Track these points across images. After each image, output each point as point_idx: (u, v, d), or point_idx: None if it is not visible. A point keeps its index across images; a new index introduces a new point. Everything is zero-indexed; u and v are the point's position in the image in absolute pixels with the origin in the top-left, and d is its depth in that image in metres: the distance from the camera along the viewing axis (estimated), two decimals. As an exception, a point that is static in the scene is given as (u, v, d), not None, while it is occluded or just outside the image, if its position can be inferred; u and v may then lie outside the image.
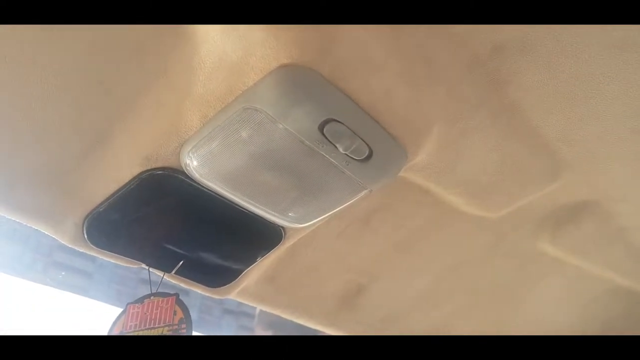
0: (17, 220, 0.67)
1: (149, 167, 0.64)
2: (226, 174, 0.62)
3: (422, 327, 1.18)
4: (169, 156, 0.63)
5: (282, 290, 0.96)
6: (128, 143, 0.62)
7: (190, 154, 0.61)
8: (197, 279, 0.80)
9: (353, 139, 0.58)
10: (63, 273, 3.54)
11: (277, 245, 0.79)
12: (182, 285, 0.80)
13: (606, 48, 0.57)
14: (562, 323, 1.32)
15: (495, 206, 0.86)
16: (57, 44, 0.53)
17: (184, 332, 0.71)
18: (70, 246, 0.70)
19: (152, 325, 0.71)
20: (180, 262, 0.75)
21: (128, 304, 0.73)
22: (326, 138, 0.56)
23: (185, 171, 0.63)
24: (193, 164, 0.61)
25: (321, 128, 0.56)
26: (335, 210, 0.70)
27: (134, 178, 0.64)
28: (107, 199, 0.66)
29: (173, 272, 0.76)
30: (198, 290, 0.83)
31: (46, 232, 0.69)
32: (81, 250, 0.71)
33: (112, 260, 0.73)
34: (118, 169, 0.64)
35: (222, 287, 0.84)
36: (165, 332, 0.71)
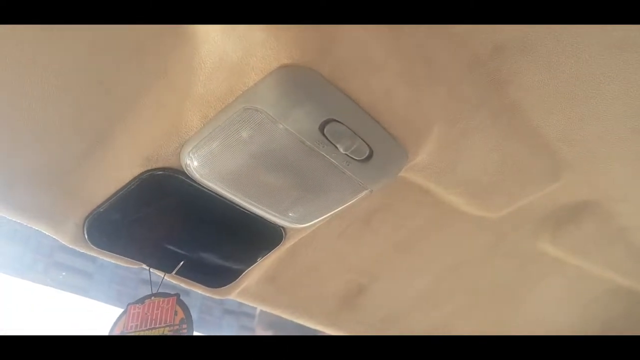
0: (18, 221, 0.67)
1: (149, 168, 0.64)
2: (226, 174, 0.62)
3: (423, 327, 1.18)
4: (170, 156, 0.63)
5: (282, 290, 0.96)
6: (128, 143, 0.62)
7: (190, 155, 0.61)
8: (197, 279, 0.80)
9: (353, 139, 0.58)
10: (64, 273, 3.54)
11: (277, 245, 0.79)
12: (183, 285, 0.80)
13: (606, 48, 0.57)
14: (563, 323, 1.32)
15: (495, 206, 0.86)
16: (57, 44, 0.53)
17: (184, 333, 0.72)
18: (70, 247, 0.70)
19: (153, 326, 0.71)
20: (181, 263, 0.75)
21: (129, 304, 0.73)
22: (326, 138, 0.56)
23: (186, 171, 0.63)
24: (193, 165, 0.61)
25: (322, 128, 0.56)
26: (335, 211, 0.70)
27: (135, 178, 0.64)
28: (108, 199, 0.66)
29: (174, 272, 0.76)
30: (199, 290, 0.83)
31: (46, 233, 0.69)
32: (82, 250, 0.71)
33: (113, 261, 0.73)
34: (118, 169, 0.64)
35: (222, 288, 0.84)
36: (166, 332, 0.71)
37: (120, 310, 0.73)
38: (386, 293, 1.09)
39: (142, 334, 0.70)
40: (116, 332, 0.70)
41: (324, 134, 0.56)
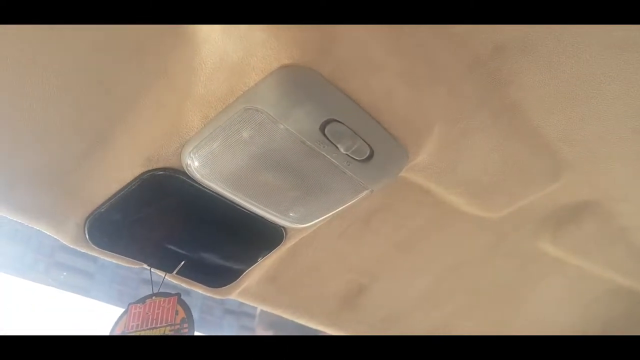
0: (19, 221, 0.67)
1: (150, 168, 0.64)
2: (227, 174, 0.62)
3: (423, 327, 1.18)
4: (170, 157, 0.63)
5: (283, 290, 0.96)
6: (129, 143, 0.62)
7: (191, 155, 0.61)
8: (198, 279, 0.80)
9: (354, 139, 0.58)
10: (65, 273, 3.54)
11: (278, 245, 0.79)
12: (184, 285, 0.80)
13: (607, 48, 0.57)
14: (563, 323, 1.32)
15: (496, 206, 0.86)
16: (58, 44, 0.53)
17: (186, 332, 0.72)
18: (71, 246, 0.70)
19: (154, 325, 0.71)
20: (182, 263, 0.76)
21: (130, 304, 0.73)
22: (327, 138, 0.56)
23: (187, 172, 0.63)
24: (194, 165, 0.61)
25: (322, 128, 0.56)
26: (336, 211, 0.70)
27: (135, 178, 0.64)
28: (109, 199, 0.66)
29: (174, 272, 0.76)
30: (199, 290, 0.83)
31: (47, 233, 0.69)
32: (83, 250, 0.71)
33: (114, 261, 0.73)
34: (119, 170, 0.64)
35: (223, 287, 0.84)
36: (167, 331, 0.71)
37: (121, 310, 0.73)
38: (387, 293, 1.09)
39: (143, 333, 0.70)
40: (117, 332, 0.70)
41: (324, 134, 0.56)
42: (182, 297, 0.74)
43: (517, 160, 0.75)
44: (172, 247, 0.75)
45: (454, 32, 0.56)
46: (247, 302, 0.94)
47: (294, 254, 0.89)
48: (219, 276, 0.82)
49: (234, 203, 0.68)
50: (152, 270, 0.76)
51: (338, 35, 0.51)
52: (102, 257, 0.73)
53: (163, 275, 0.77)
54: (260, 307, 1.00)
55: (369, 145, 0.59)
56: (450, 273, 1.08)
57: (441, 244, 1.00)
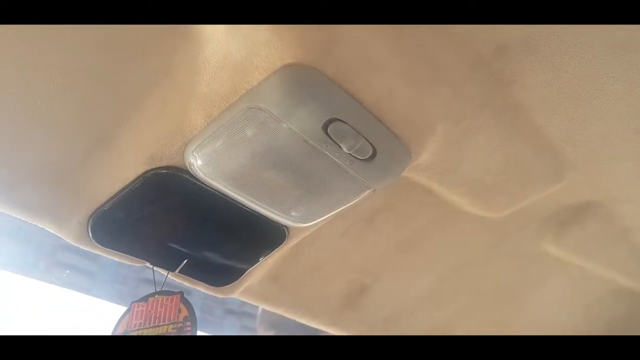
0: (22, 219, 0.67)
1: (153, 166, 0.64)
2: (230, 173, 0.62)
3: (425, 327, 1.18)
4: (174, 155, 0.63)
5: (285, 289, 0.96)
6: (133, 142, 0.63)
7: (194, 153, 0.61)
8: (200, 277, 0.81)
9: (357, 139, 0.58)
10: (67, 271, 3.55)
11: (280, 244, 0.79)
12: (186, 284, 0.80)
13: (610, 48, 0.57)
14: (566, 323, 1.32)
15: (498, 206, 0.86)
16: (62, 43, 0.54)
17: (188, 330, 0.72)
18: (75, 244, 0.70)
19: (156, 324, 0.71)
20: (184, 261, 0.76)
21: (133, 302, 0.73)
22: (330, 137, 0.57)
23: (190, 170, 0.63)
24: (197, 163, 0.61)
25: (325, 127, 0.56)
26: (338, 210, 0.70)
27: (139, 177, 0.64)
28: (112, 197, 0.66)
29: (177, 270, 0.76)
30: (202, 289, 0.83)
31: (51, 231, 0.69)
32: (86, 248, 0.71)
33: (117, 259, 0.74)
34: (123, 168, 0.64)
35: (225, 286, 0.84)
36: (170, 330, 0.71)
37: (121, 308, 0.73)
38: (389, 293, 1.09)
39: (146, 331, 0.70)
40: (120, 330, 0.70)
41: (327, 133, 0.56)
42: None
43: (520, 161, 0.75)
44: (175, 246, 0.75)
45: (454, 32, 0.56)
46: (249, 301, 0.94)
47: (296, 253, 0.90)
48: (221, 275, 0.82)
49: (237, 202, 0.68)
50: (155, 268, 0.76)
51: (341, 35, 0.52)
52: (104, 255, 0.73)
53: (165, 274, 0.77)
54: (262, 306, 1.00)
55: (371, 144, 0.60)
56: (453, 273, 1.08)
57: (443, 243, 1.00)
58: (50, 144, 0.61)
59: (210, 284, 0.83)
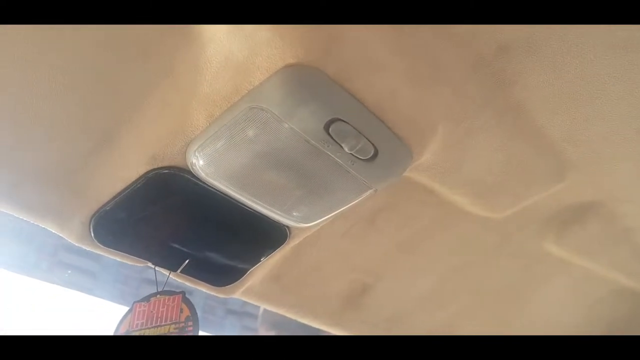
0: (24, 219, 0.67)
1: (155, 166, 0.64)
2: (232, 173, 0.62)
3: (427, 327, 1.18)
4: (175, 155, 0.63)
5: (287, 289, 0.96)
6: (134, 142, 0.63)
7: (196, 153, 0.61)
8: (202, 277, 0.81)
9: (358, 139, 0.58)
10: (69, 271, 3.56)
11: (282, 244, 0.79)
12: (188, 284, 0.80)
13: (611, 48, 0.57)
14: (568, 323, 1.32)
15: (500, 206, 0.86)
16: (64, 43, 0.54)
17: (190, 330, 0.72)
18: (77, 244, 0.70)
19: (158, 323, 0.71)
20: (186, 261, 0.76)
21: (134, 302, 0.73)
22: (332, 137, 0.57)
23: (192, 170, 0.64)
24: (199, 163, 0.61)
25: (327, 127, 0.56)
26: (340, 210, 0.70)
27: (141, 177, 0.64)
28: (114, 197, 0.66)
29: (179, 270, 0.77)
30: (203, 289, 0.83)
31: (53, 230, 0.69)
32: (88, 248, 0.71)
33: (119, 259, 0.74)
34: (125, 168, 0.64)
35: (227, 286, 0.84)
36: (172, 329, 0.71)
37: (123, 308, 0.73)
38: (390, 293, 1.09)
39: (148, 331, 0.70)
40: (122, 330, 0.70)
41: (329, 133, 0.56)
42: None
43: (521, 161, 0.75)
44: (177, 246, 0.75)
45: (455, 32, 0.56)
46: (251, 301, 0.94)
47: (297, 253, 0.90)
48: (223, 275, 0.83)
49: (238, 202, 0.68)
50: (157, 268, 0.76)
51: (343, 35, 0.52)
52: (106, 255, 0.73)
53: (167, 274, 0.77)
54: (264, 306, 1.01)
55: (373, 144, 0.60)
56: (454, 273, 1.08)
57: (445, 243, 1.00)
58: (51, 144, 0.61)
59: (212, 284, 0.83)
